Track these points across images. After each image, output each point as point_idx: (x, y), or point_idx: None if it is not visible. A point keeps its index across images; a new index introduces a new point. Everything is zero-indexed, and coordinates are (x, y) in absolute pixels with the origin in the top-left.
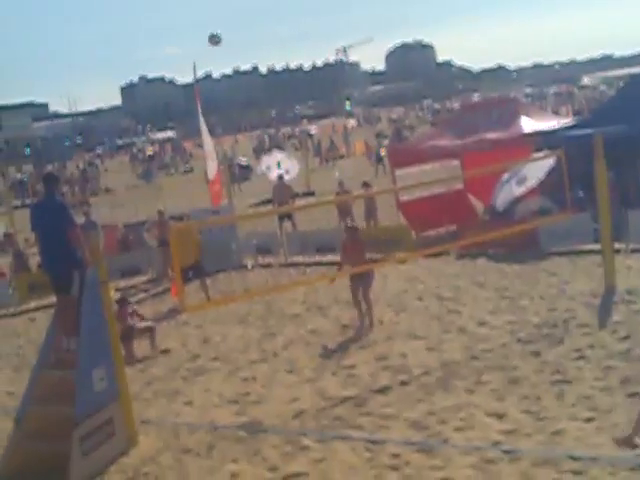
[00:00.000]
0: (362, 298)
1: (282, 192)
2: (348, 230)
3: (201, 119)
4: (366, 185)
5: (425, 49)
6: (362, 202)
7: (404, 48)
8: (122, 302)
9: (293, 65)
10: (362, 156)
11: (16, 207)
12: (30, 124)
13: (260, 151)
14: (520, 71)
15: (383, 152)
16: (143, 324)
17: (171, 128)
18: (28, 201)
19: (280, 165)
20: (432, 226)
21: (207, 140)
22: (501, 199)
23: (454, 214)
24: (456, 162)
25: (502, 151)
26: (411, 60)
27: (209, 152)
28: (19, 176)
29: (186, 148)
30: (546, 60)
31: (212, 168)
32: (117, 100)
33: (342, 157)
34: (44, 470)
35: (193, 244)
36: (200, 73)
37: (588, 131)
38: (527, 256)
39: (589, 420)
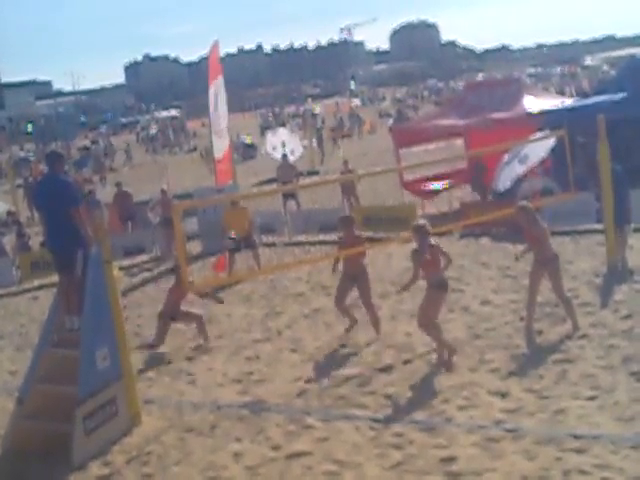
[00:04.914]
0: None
1: (286, 171)
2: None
3: (220, 95)
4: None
5: (429, 29)
6: (364, 181)
7: (408, 28)
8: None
9: (297, 44)
10: (367, 135)
11: (19, 185)
12: (33, 102)
13: (265, 129)
14: (523, 51)
15: None
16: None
17: (175, 107)
18: (31, 179)
19: (285, 145)
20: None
21: (221, 117)
22: (504, 178)
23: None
24: (460, 141)
25: (506, 130)
26: (415, 40)
27: (220, 130)
28: (22, 154)
29: (189, 127)
30: (549, 40)
31: (221, 146)
32: (121, 78)
33: (349, 136)
34: (46, 449)
35: (245, 217)
36: (204, 52)
37: (591, 111)
38: None
39: (591, 399)
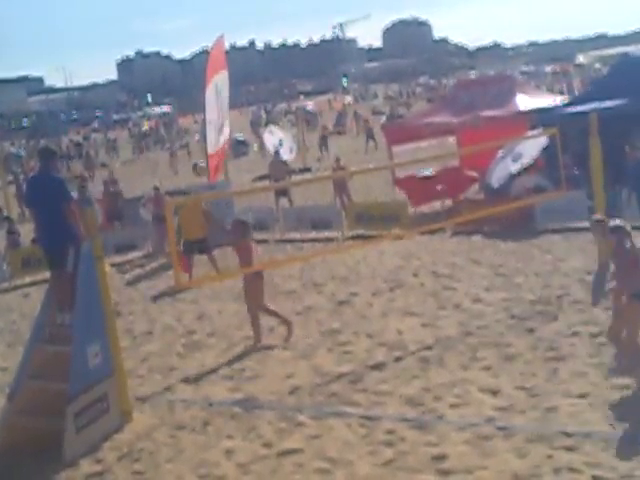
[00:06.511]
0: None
1: (278, 168)
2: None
3: (224, 89)
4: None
5: (422, 26)
6: (356, 178)
7: (401, 25)
8: None
9: (290, 41)
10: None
11: (10, 182)
12: (25, 98)
13: (256, 126)
14: (516, 49)
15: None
16: None
17: (168, 103)
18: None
19: (282, 143)
20: (430, 199)
21: (223, 111)
22: (496, 176)
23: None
24: (452, 139)
25: (498, 128)
26: (408, 37)
27: (218, 124)
28: (13, 150)
29: (180, 124)
30: (541, 38)
31: (217, 141)
32: (113, 75)
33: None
34: (37, 446)
35: (200, 219)
36: (196, 48)
37: (583, 109)
38: (522, 233)
39: (582, 396)
